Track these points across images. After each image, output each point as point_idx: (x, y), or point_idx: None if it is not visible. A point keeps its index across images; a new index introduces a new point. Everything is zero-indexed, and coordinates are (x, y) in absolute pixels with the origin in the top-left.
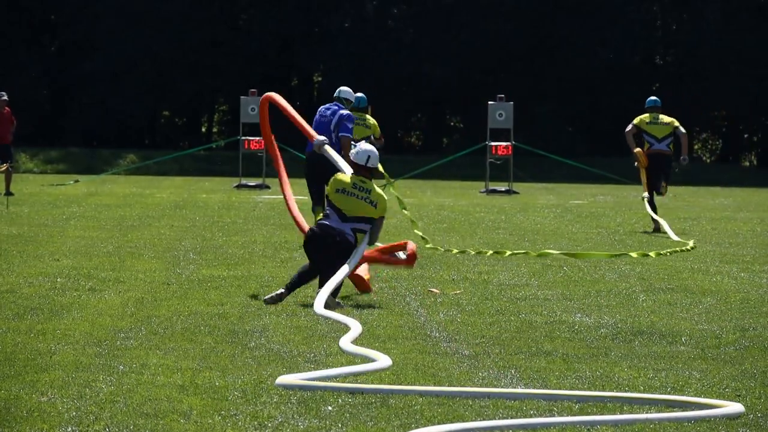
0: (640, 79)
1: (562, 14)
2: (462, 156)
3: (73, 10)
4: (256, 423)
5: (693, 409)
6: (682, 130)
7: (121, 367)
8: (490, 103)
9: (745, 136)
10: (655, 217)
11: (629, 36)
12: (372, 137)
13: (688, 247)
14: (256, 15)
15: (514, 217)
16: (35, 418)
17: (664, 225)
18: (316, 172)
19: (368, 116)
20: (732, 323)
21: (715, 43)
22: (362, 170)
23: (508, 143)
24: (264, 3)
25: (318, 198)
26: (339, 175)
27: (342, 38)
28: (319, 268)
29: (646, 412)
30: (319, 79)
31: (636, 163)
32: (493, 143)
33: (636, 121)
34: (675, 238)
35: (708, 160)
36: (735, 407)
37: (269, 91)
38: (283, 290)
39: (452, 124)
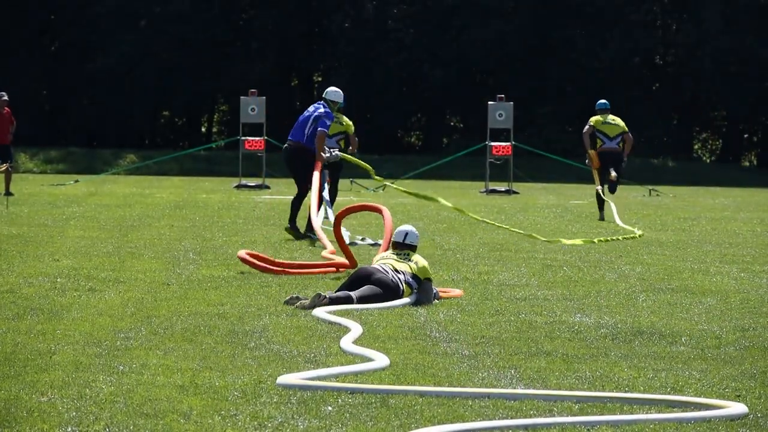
0: (640, 80)
1: (562, 14)
2: (462, 156)
3: (73, 11)
4: (256, 423)
5: (696, 410)
6: (630, 136)
7: (121, 367)
8: (490, 103)
9: (745, 136)
10: (601, 210)
11: (629, 36)
12: (346, 135)
13: (637, 235)
14: (256, 15)
15: (514, 217)
16: (35, 418)
17: (600, 211)
18: (291, 163)
19: (343, 116)
20: (732, 323)
21: (715, 43)
22: (400, 246)
23: (508, 143)
24: (264, 3)
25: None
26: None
27: (342, 38)
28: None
29: (646, 413)
30: (319, 79)
31: (587, 162)
32: (493, 143)
33: (592, 122)
34: (616, 219)
35: (708, 160)
36: (739, 408)
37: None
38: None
39: (452, 124)
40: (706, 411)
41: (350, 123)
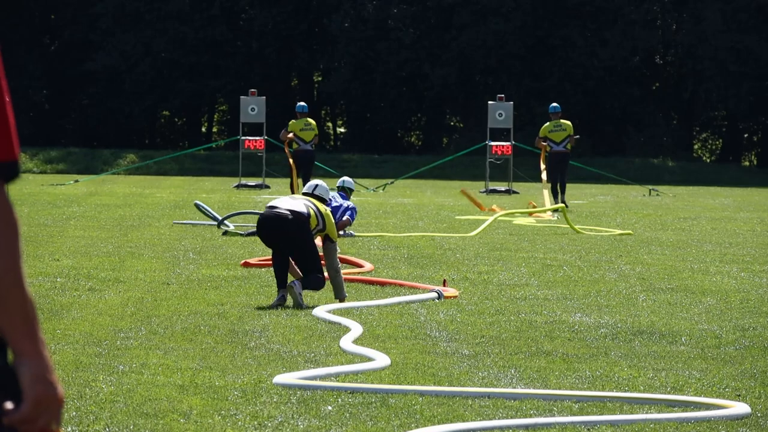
0: (640, 79)
1: (562, 14)
2: (462, 156)
3: (73, 10)
4: (255, 423)
5: (698, 410)
6: (573, 135)
7: (121, 366)
8: (490, 102)
9: (745, 135)
10: (551, 201)
11: (629, 36)
12: (316, 137)
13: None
14: (256, 15)
15: (513, 217)
16: None
17: (546, 198)
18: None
19: (311, 120)
20: (732, 323)
21: (715, 43)
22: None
23: (508, 143)
24: (264, 3)
25: None
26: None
27: (342, 38)
28: (286, 254)
29: (646, 412)
30: (319, 78)
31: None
32: (493, 143)
33: (542, 132)
34: (548, 204)
35: (708, 160)
36: (742, 408)
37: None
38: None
39: (452, 123)
40: (710, 411)
41: (315, 123)
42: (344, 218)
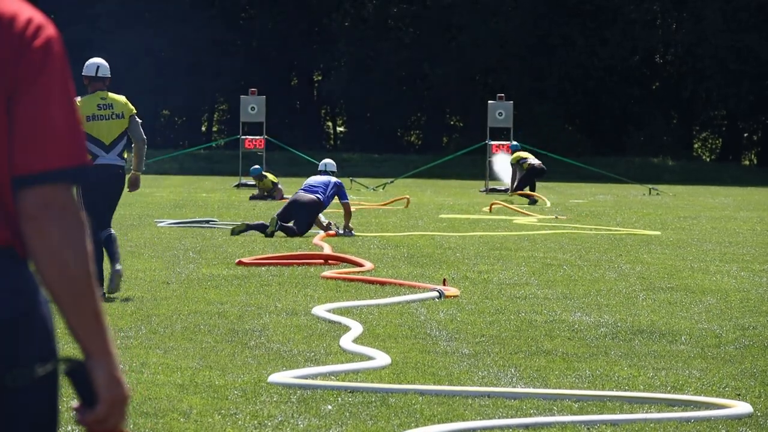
0: (640, 78)
1: (562, 13)
2: (462, 155)
3: (73, 9)
4: (255, 422)
5: (699, 409)
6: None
7: (121, 366)
8: (489, 102)
9: (745, 135)
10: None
11: (629, 35)
12: None
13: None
14: (256, 14)
15: (513, 216)
16: None
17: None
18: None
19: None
20: (732, 322)
21: (715, 42)
22: (95, 82)
23: (508, 142)
24: (264, 2)
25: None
26: (78, 101)
27: (342, 37)
28: (99, 208)
29: (647, 411)
30: (319, 77)
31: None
32: (492, 142)
33: (519, 161)
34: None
35: (708, 159)
36: (743, 407)
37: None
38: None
39: (452, 123)
40: (711, 411)
41: (269, 176)
42: (345, 202)
